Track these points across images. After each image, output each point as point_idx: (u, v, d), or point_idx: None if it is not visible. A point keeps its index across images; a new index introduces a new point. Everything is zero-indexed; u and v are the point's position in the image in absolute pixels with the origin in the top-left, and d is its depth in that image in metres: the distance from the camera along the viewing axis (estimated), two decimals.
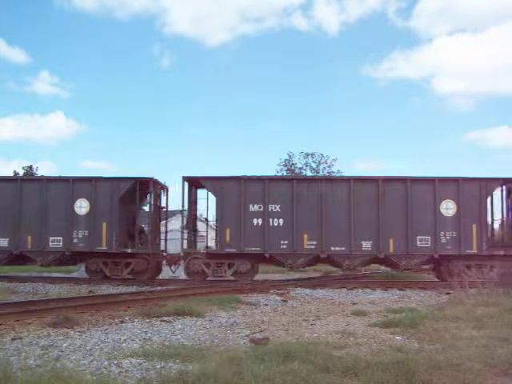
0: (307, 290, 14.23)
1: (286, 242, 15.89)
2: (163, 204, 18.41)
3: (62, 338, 6.93)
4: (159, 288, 14.43)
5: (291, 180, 16.48)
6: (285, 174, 33.70)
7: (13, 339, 6.74)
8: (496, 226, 17.68)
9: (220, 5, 71.98)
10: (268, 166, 61.65)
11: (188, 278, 16.50)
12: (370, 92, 73.21)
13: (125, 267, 16.72)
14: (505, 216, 16.96)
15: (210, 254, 16.31)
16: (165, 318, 8.66)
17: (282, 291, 13.77)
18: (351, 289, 14.75)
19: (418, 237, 15.70)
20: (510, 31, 73.19)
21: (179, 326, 8.02)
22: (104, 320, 8.62)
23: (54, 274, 19.83)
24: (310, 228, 15.87)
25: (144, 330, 7.69)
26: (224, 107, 75.73)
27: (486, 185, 15.94)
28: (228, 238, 15.94)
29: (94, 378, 4.67)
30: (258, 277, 17.26)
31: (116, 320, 8.61)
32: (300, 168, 35.26)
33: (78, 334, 7.26)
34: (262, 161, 67.94)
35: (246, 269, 16.10)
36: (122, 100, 77.80)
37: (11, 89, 73.89)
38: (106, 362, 5.44)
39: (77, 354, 5.85)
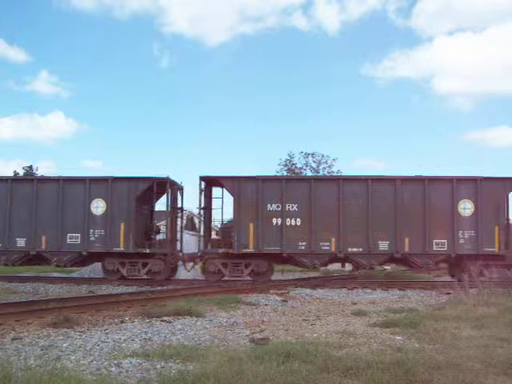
0: (307, 290, 14.23)
1: None
2: None
3: (62, 338, 6.93)
4: (159, 288, 14.47)
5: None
6: (285, 174, 33.53)
7: (13, 339, 6.75)
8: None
9: (219, 4, 72.06)
10: (268, 166, 61.71)
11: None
12: (370, 91, 73.29)
13: None
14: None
15: None
16: (165, 318, 8.66)
17: (282, 291, 13.78)
18: (351, 289, 14.76)
19: (69, 234, 16.77)
20: (510, 31, 73.21)
21: (179, 326, 8.02)
22: (104, 320, 8.63)
23: (54, 274, 19.88)
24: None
25: (144, 330, 7.69)
26: (224, 107, 75.73)
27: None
28: None
29: (94, 378, 4.67)
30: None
31: (116, 320, 8.62)
32: (300, 168, 35.22)
33: (78, 334, 7.26)
34: (262, 160, 67.94)
35: None
36: (122, 100, 77.88)
37: (11, 88, 74.06)
38: (106, 362, 5.44)
39: (77, 354, 5.85)
